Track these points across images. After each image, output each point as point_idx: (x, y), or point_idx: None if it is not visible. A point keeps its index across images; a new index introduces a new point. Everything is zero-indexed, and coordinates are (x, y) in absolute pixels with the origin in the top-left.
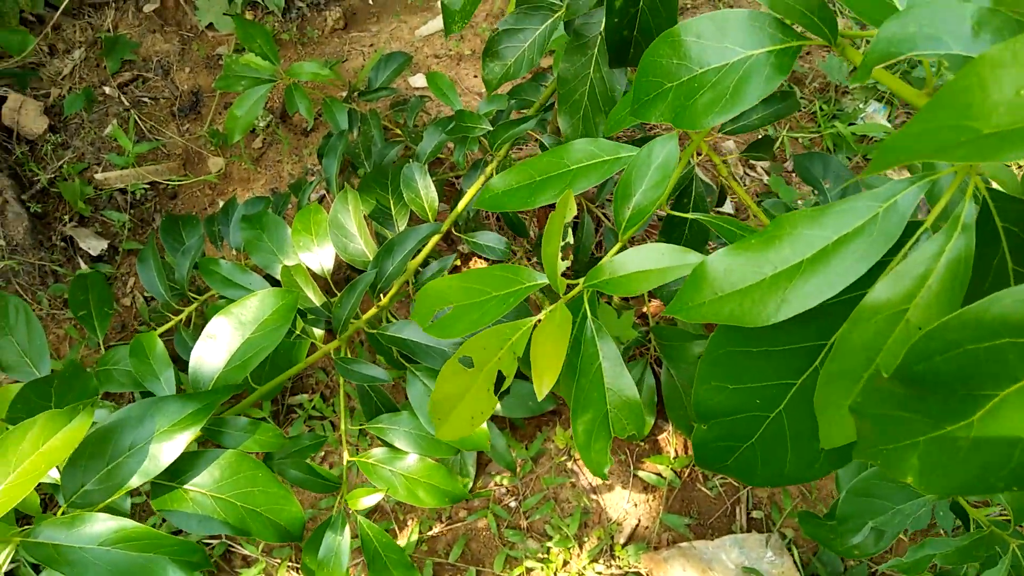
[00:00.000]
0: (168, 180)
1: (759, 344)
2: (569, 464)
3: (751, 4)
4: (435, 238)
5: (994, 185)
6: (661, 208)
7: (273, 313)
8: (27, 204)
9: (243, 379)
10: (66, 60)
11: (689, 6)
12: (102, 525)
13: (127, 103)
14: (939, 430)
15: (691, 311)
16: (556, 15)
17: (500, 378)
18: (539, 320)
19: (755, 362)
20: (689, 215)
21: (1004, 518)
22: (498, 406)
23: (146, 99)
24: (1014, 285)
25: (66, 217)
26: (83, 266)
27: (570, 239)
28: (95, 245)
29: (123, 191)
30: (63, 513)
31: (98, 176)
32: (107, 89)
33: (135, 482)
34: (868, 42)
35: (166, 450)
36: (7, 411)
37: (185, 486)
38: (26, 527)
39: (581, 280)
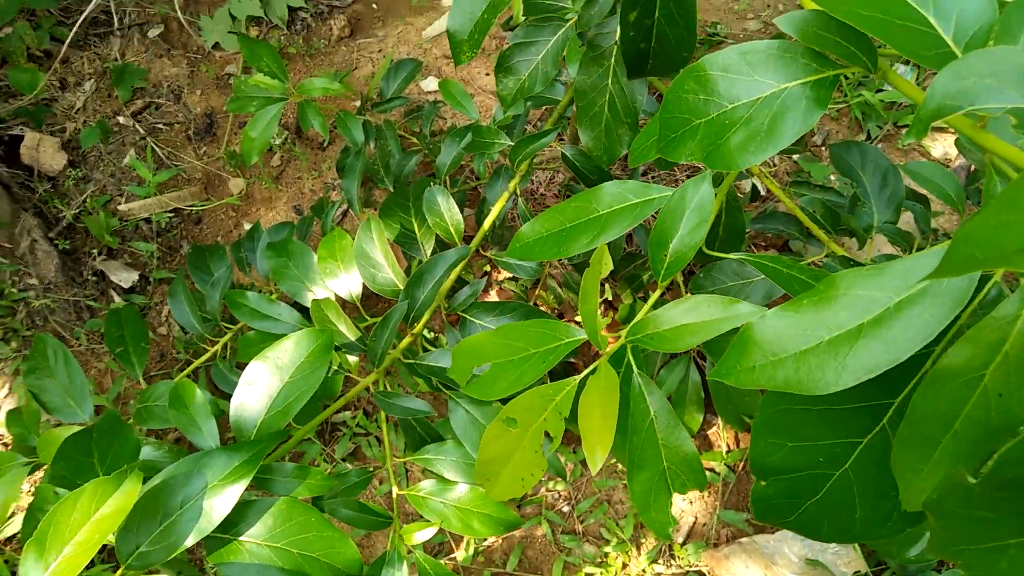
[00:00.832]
0: (191, 206)
1: (819, 403)
2: (619, 466)
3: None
4: (463, 262)
5: None
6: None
7: (310, 354)
8: (55, 241)
9: (285, 424)
10: (78, 93)
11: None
12: None
13: (142, 131)
14: None
15: (741, 376)
16: (567, 25)
17: (548, 439)
18: (584, 378)
19: (814, 420)
20: (723, 255)
21: None
22: None
23: (161, 125)
24: None
25: (95, 251)
26: (116, 299)
27: (608, 295)
28: (126, 277)
29: (148, 220)
30: None
31: (122, 207)
32: (121, 119)
33: (190, 540)
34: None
35: (218, 505)
36: (50, 469)
37: (240, 538)
38: None
39: (623, 334)
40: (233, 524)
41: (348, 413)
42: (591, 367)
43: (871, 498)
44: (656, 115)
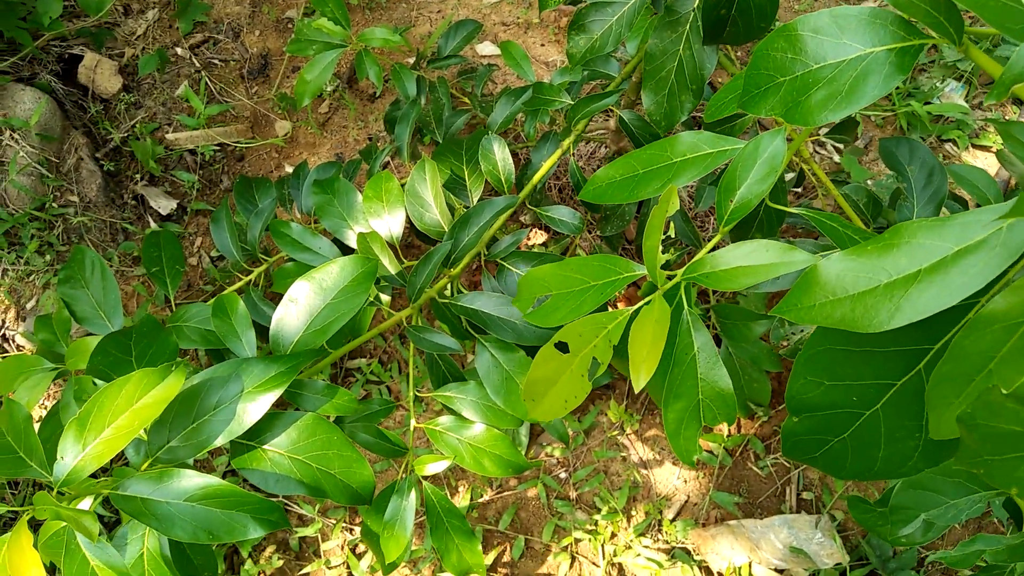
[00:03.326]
0: (236, 142)
1: (861, 344)
2: (620, 438)
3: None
4: (508, 211)
5: None
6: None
7: (353, 280)
8: (100, 162)
9: (322, 343)
10: (140, 21)
11: None
12: (188, 481)
13: (198, 64)
14: None
15: (801, 313)
16: None
17: (595, 364)
18: (636, 310)
19: (855, 361)
20: (789, 208)
21: None
22: None
23: (216, 61)
24: None
25: (137, 176)
26: (152, 224)
27: (672, 231)
28: (165, 204)
29: (192, 152)
30: (148, 467)
31: (169, 136)
32: (179, 50)
33: (220, 441)
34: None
35: (251, 410)
36: (88, 362)
37: (264, 446)
38: (104, 479)
39: (679, 272)
40: (260, 432)
41: (363, 360)
42: (645, 300)
43: (897, 437)
44: (733, 74)
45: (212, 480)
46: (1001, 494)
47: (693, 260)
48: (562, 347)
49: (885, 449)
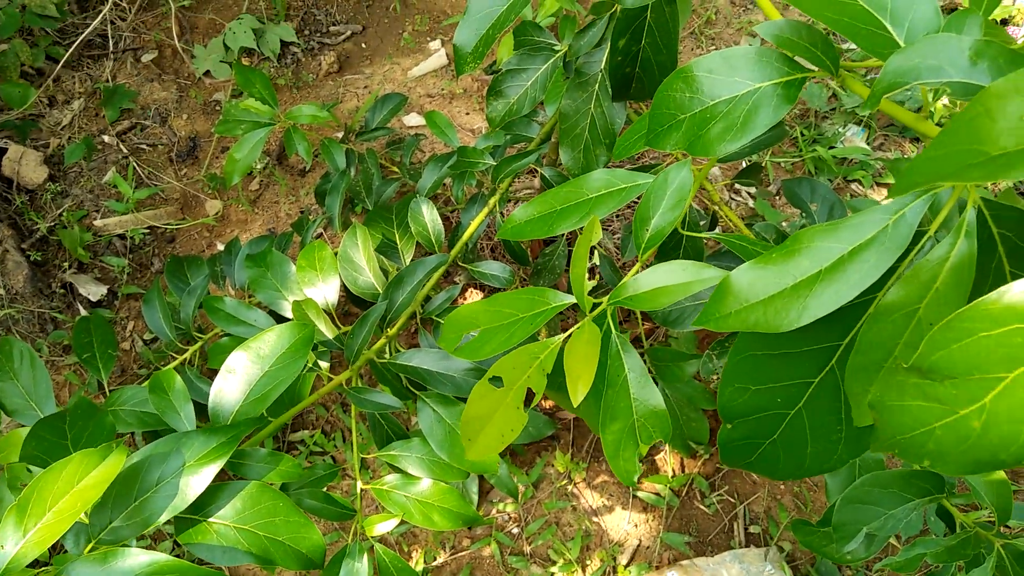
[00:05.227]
0: (167, 224)
1: (779, 348)
2: (569, 488)
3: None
4: (441, 269)
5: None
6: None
7: (291, 347)
8: (27, 253)
9: (261, 412)
10: (65, 111)
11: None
12: (134, 559)
13: (126, 150)
14: (953, 415)
15: (719, 321)
16: (557, 55)
17: (529, 395)
18: (568, 337)
19: (775, 364)
20: (699, 234)
21: (989, 520)
22: None
23: (144, 146)
24: None
25: (65, 264)
26: (83, 312)
27: (596, 259)
28: (95, 291)
29: (122, 236)
30: (91, 551)
31: (97, 223)
32: (106, 138)
33: (164, 518)
34: (864, 75)
35: (194, 484)
36: (21, 450)
37: (209, 519)
38: (46, 568)
39: (605, 299)
40: (204, 505)
41: (306, 432)
42: (576, 326)
43: (821, 433)
44: (640, 116)
45: (158, 556)
46: (933, 501)
47: (617, 286)
48: (496, 381)
49: (812, 445)
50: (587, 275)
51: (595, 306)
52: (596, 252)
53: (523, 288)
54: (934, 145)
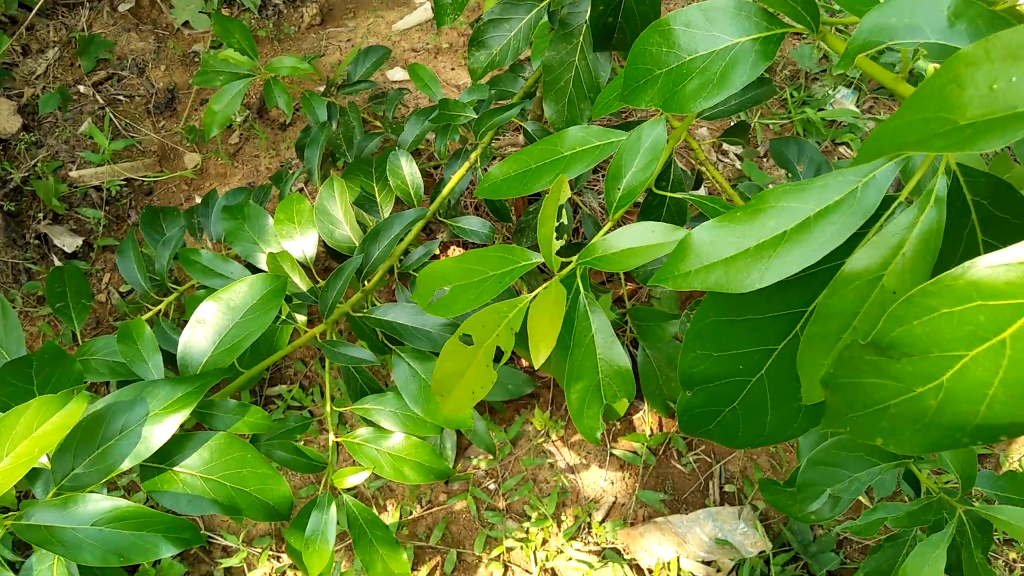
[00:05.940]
0: (144, 176)
1: (743, 313)
2: (547, 445)
3: None
4: (419, 224)
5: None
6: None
7: (262, 298)
8: (0, 203)
9: (231, 362)
10: (40, 60)
11: None
12: (95, 505)
13: (102, 101)
14: (909, 393)
15: (678, 279)
16: (541, 5)
17: (498, 353)
18: (535, 296)
19: (738, 330)
20: (674, 194)
21: (954, 486)
22: None
23: (121, 97)
24: (984, 254)
25: (40, 215)
26: (57, 263)
27: (564, 219)
28: (70, 242)
29: (98, 188)
30: (53, 496)
31: (73, 174)
32: (82, 88)
33: (126, 465)
34: (846, 29)
35: (157, 433)
36: None
37: (175, 468)
38: (10, 512)
39: (574, 258)
40: (170, 454)
41: (284, 387)
42: (543, 286)
43: (781, 401)
44: (618, 75)
45: (120, 502)
46: (900, 465)
47: (586, 246)
48: (466, 339)
49: (772, 414)
50: (555, 234)
51: (564, 265)
52: (580, 211)
53: (494, 246)
54: (901, 111)
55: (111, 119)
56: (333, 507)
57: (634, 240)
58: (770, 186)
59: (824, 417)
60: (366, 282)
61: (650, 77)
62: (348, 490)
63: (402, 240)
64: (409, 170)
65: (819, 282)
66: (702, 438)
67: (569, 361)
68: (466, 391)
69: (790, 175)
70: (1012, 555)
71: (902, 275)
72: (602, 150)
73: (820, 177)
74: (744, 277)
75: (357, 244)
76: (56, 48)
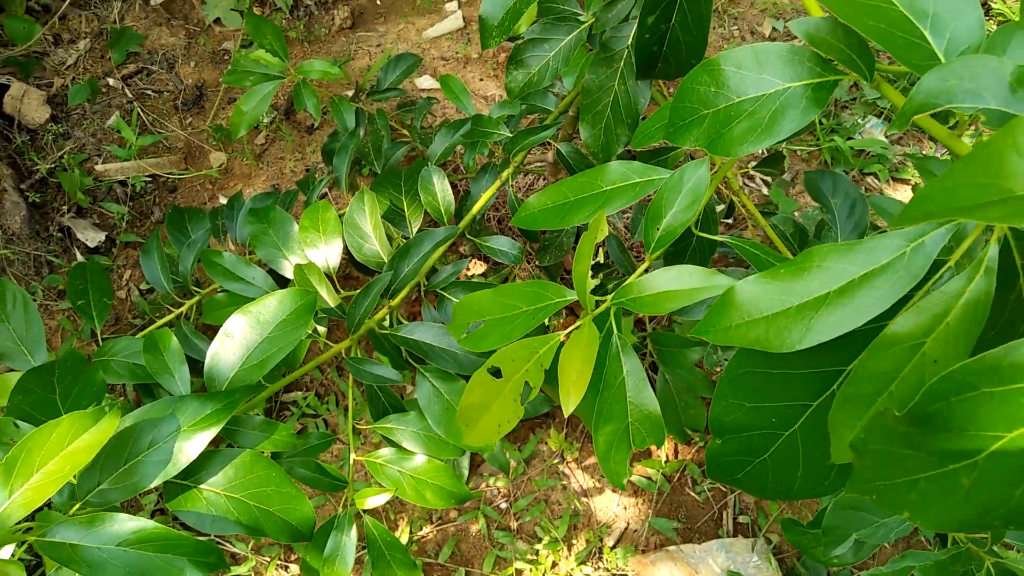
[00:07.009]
0: (169, 173)
1: (778, 367)
2: (561, 467)
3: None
4: (448, 242)
5: None
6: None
7: (292, 313)
8: (25, 193)
9: (258, 379)
10: (71, 50)
11: (715, 26)
12: (121, 525)
13: (131, 95)
14: (941, 468)
15: (718, 334)
16: (582, 27)
17: (527, 389)
18: (567, 335)
19: (773, 383)
20: (713, 236)
21: (983, 537)
22: None
23: (150, 92)
24: None
25: (64, 208)
26: (79, 257)
27: (600, 258)
28: (92, 236)
29: (123, 183)
30: (77, 512)
31: (98, 167)
32: (111, 81)
33: (156, 482)
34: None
35: (187, 450)
36: (8, 401)
37: (200, 486)
38: (25, 523)
39: (608, 298)
40: (195, 472)
41: (299, 393)
42: (576, 324)
43: (814, 457)
44: (662, 105)
45: (145, 523)
46: None
47: (622, 286)
48: (495, 372)
49: (803, 469)
50: (590, 273)
51: (598, 303)
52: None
53: (528, 281)
54: (951, 173)
55: (139, 114)
56: (354, 528)
57: (671, 284)
58: (796, 214)
59: (849, 480)
60: (392, 299)
61: (696, 116)
62: (368, 510)
63: (430, 257)
64: (441, 187)
65: (859, 341)
66: (731, 486)
67: (598, 403)
68: (492, 424)
69: (824, 209)
70: None
71: (944, 343)
72: (643, 187)
73: (867, 238)
74: (785, 336)
75: (386, 260)
76: (87, 39)
